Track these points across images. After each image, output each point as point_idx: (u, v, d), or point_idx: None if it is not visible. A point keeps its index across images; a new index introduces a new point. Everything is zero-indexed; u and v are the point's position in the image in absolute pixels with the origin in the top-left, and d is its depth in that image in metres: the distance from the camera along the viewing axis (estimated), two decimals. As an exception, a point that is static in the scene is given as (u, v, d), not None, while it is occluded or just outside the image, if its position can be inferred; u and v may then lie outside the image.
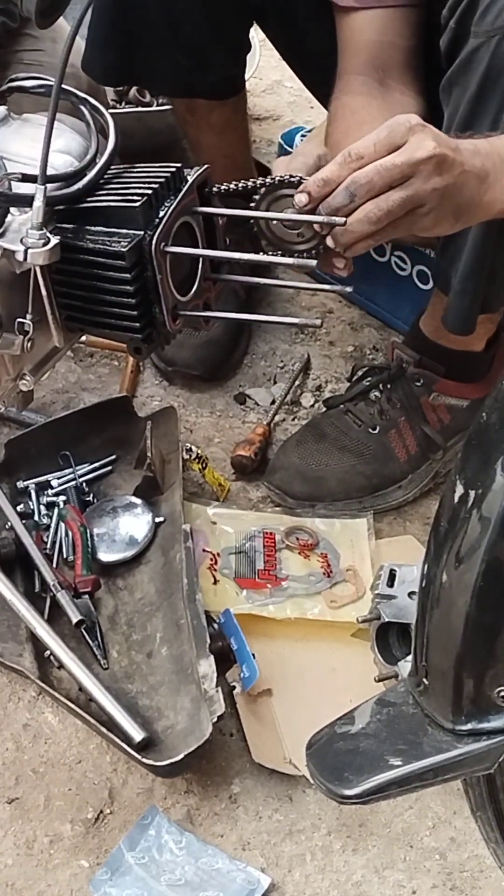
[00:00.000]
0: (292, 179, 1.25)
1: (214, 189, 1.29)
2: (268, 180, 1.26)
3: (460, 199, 1.25)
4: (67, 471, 1.74)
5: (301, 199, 1.23)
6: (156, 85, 1.99)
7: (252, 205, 1.29)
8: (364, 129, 1.48)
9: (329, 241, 1.25)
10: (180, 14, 1.71)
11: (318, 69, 1.63)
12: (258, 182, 1.27)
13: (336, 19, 1.62)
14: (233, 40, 1.83)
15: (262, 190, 1.27)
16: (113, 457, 1.78)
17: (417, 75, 1.60)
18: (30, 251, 1.19)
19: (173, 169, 1.26)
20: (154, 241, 1.20)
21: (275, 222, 1.28)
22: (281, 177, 1.26)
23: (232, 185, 1.29)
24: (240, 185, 1.28)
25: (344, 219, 1.21)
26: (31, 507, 1.69)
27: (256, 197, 1.28)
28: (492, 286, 1.51)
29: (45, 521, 1.67)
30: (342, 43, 1.61)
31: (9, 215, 1.22)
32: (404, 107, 1.54)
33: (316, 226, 1.24)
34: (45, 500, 1.70)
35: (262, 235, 1.31)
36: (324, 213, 1.23)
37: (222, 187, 1.29)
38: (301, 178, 1.25)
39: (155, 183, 1.24)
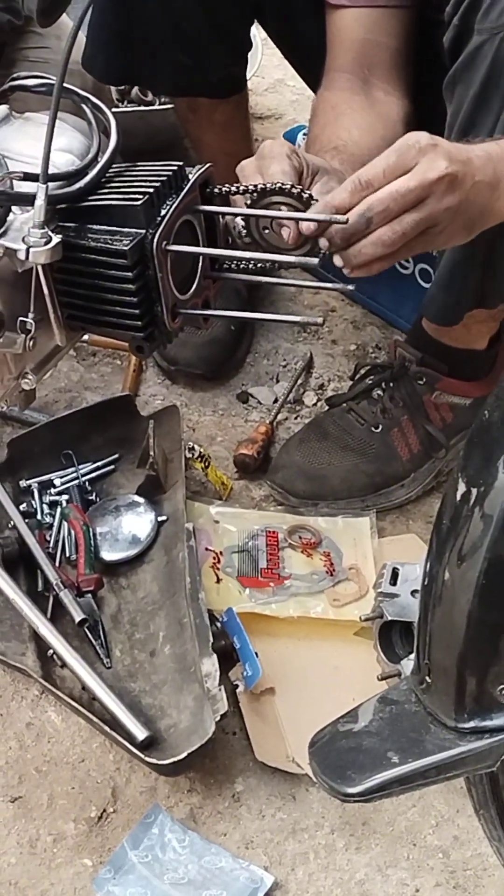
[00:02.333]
0: (284, 187, 1.24)
1: (215, 191, 1.29)
2: (259, 186, 1.25)
3: (473, 211, 1.24)
4: (70, 470, 1.74)
5: (309, 225, 1.21)
6: (157, 84, 1.99)
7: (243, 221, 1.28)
8: (342, 122, 1.49)
9: (337, 261, 1.23)
10: (180, 12, 1.71)
11: (317, 67, 1.63)
12: (258, 186, 1.26)
13: (326, 15, 1.62)
14: (233, 38, 1.83)
15: (253, 195, 1.25)
16: (116, 456, 1.78)
17: (403, 75, 1.60)
18: (32, 250, 1.19)
19: (175, 167, 1.26)
20: (156, 240, 1.20)
21: (267, 231, 1.28)
22: (273, 184, 1.24)
23: (224, 189, 1.28)
24: (232, 187, 1.28)
25: (346, 217, 1.20)
26: (34, 506, 1.69)
27: (248, 202, 1.27)
28: (491, 281, 1.51)
29: (48, 520, 1.67)
30: (330, 39, 1.62)
31: (10, 214, 1.22)
32: (387, 106, 1.55)
33: (323, 244, 1.22)
34: (47, 499, 1.70)
35: (254, 244, 1.30)
36: (338, 239, 1.21)
37: (223, 189, 1.29)
38: (292, 185, 1.24)
39: (157, 181, 1.24)
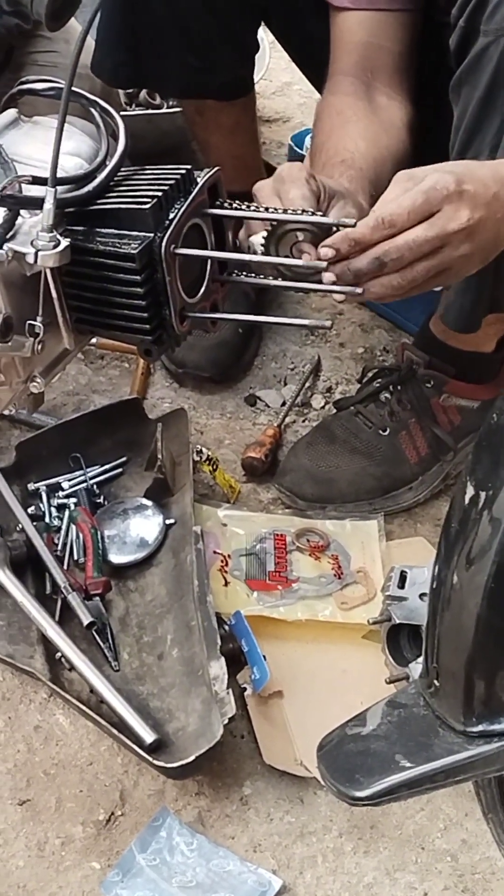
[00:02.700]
0: (305, 222, 1.24)
1: (227, 204, 1.29)
2: (279, 217, 1.25)
3: (489, 248, 1.26)
4: (78, 473, 1.74)
5: (327, 252, 1.21)
6: (164, 86, 1.99)
7: (264, 237, 1.28)
8: (348, 129, 1.49)
9: (338, 297, 1.26)
10: (187, 14, 1.71)
11: (323, 69, 1.63)
12: (269, 210, 1.26)
13: (330, 18, 1.62)
14: (240, 40, 1.83)
15: (272, 227, 1.26)
16: (123, 459, 1.78)
17: (406, 79, 1.60)
18: (40, 253, 1.19)
19: (183, 171, 1.26)
20: (164, 244, 1.20)
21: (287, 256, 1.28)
22: (293, 211, 1.24)
23: (234, 205, 1.29)
24: (242, 205, 1.28)
25: (361, 290, 1.21)
26: (42, 509, 1.69)
27: (268, 228, 1.27)
28: (502, 285, 1.51)
29: (56, 523, 1.67)
30: (334, 42, 1.62)
31: (19, 218, 1.22)
32: (390, 112, 1.55)
33: (327, 276, 1.23)
34: (55, 502, 1.70)
35: (271, 266, 1.30)
36: (350, 271, 1.21)
37: (238, 206, 1.29)
38: (312, 212, 1.24)
39: (165, 185, 1.24)
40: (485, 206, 1.21)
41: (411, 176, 1.23)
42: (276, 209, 1.25)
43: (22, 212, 1.22)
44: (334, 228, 1.24)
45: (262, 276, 1.30)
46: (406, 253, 1.20)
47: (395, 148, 1.50)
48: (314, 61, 1.75)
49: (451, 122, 1.46)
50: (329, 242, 1.22)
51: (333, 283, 1.23)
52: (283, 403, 1.97)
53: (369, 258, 1.21)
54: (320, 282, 1.24)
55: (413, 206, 1.20)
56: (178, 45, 1.75)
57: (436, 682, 1.05)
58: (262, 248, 1.28)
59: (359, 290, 1.27)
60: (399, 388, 1.81)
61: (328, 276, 1.22)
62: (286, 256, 1.27)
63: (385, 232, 1.20)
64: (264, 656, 1.47)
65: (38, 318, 1.25)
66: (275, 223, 1.26)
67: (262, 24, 1.87)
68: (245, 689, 1.49)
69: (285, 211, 1.25)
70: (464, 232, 1.20)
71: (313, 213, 1.24)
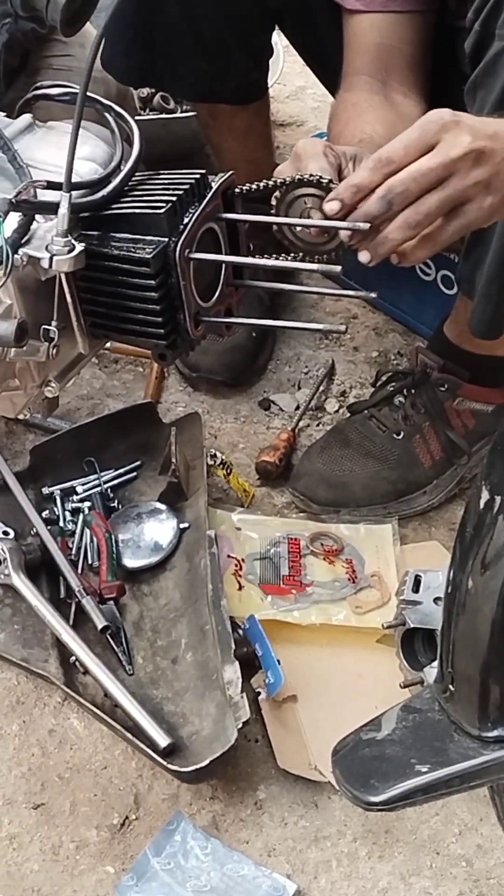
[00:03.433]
0: (311, 178, 1.23)
1: (236, 191, 1.29)
2: (287, 179, 1.25)
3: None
4: (92, 477, 1.74)
5: (332, 206, 1.20)
6: (178, 89, 2.00)
7: (273, 203, 1.27)
8: (364, 118, 1.48)
9: (363, 257, 1.22)
10: (201, 18, 1.71)
11: (337, 72, 1.63)
12: (278, 181, 1.26)
13: (343, 20, 1.62)
14: (254, 44, 1.83)
15: (283, 188, 1.25)
16: (138, 463, 1.78)
17: (420, 79, 1.59)
18: (55, 258, 1.20)
19: (197, 175, 1.26)
20: (178, 248, 1.20)
21: (298, 228, 1.28)
22: (300, 176, 1.24)
23: (253, 186, 1.28)
24: (261, 184, 1.28)
25: (368, 224, 1.20)
26: (57, 513, 1.69)
27: (277, 195, 1.26)
28: None
29: (71, 527, 1.68)
30: (347, 44, 1.62)
31: (34, 223, 1.22)
32: (406, 107, 1.54)
33: (343, 235, 1.22)
34: (70, 506, 1.71)
35: (283, 238, 1.30)
36: (360, 221, 1.20)
37: (244, 188, 1.29)
38: (320, 177, 1.23)
39: (179, 189, 1.24)
40: (487, 137, 1.19)
41: None
42: (286, 179, 1.24)
43: (37, 217, 1.23)
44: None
45: (273, 279, 1.30)
46: (411, 185, 1.17)
47: None
48: (328, 65, 1.75)
49: None
50: (332, 195, 1.21)
51: (350, 239, 1.20)
52: (297, 407, 1.97)
53: (376, 198, 1.19)
54: (334, 252, 1.23)
55: (409, 140, 1.19)
56: (191, 49, 1.76)
57: (451, 686, 1.05)
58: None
59: (373, 294, 1.26)
60: (413, 391, 1.81)
61: (343, 233, 1.21)
62: (297, 228, 1.27)
63: (385, 170, 1.18)
64: (278, 660, 1.47)
65: (53, 323, 1.25)
66: (282, 189, 1.25)
67: (276, 28, 1.87)
68: (259, 693, 1.49)
69: (292, 182, 1.24)
70: (469, 157, 1.17)
71: (320, 178, 1.23)
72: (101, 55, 1.78)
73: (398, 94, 1.56)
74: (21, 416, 1.46)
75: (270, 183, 1.26)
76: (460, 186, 1.19)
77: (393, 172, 1.19)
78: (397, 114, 1.53)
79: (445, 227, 1.22)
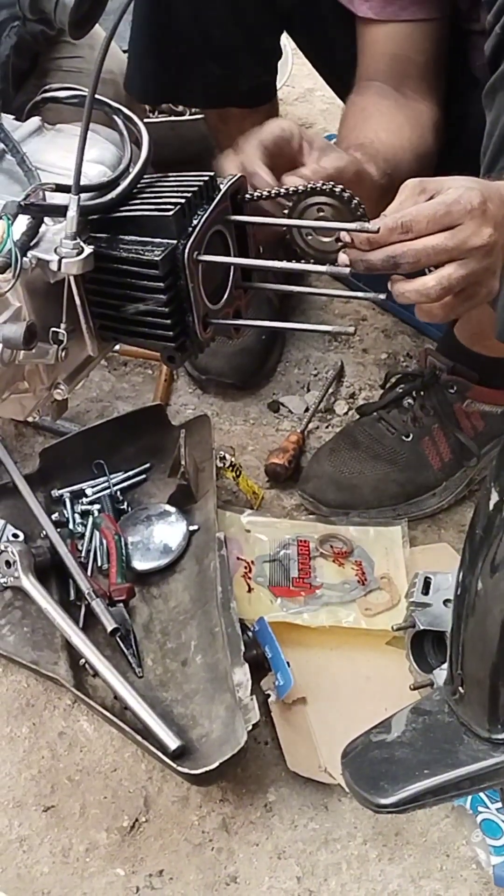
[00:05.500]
0: (324, 187, 1.25)
1: (247, 197, 1.30)
2: (300, 187, 1.26)
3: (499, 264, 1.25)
4: (102, 479, 1.74)
5: (342, 259, 1.24)
6: (189, 96, 2.00)
7: (285, 213, 1.29)
8: (368, 123, 1.49)
9: (342, 258, 1.25)
10: (211, 22, 1.71)
11: (346, 76, 1.63)
12: (290, 189, 1.27)
13: (356, 28, 1.63)
14: (263, 47, 1.83)
15: (294, 198, 1.27)
16: (147, 465, 1.78)
17: (435, 85, 1.60)
18: (64, 261, 1.20)
19: (206, 178, 1.26)
20: (187, 250, 1.20)
21: (309, 235, 1.29)
22: (314, 184, 1.26)
23: (264, 193, 1.29)
24: (272, 191, 1.29)
25: (377, 227, 1.21)
26: (66, 515, 1.69)
27: (289, 204, 1.28)
28: None
29: (80, 529, 1.68)
30: (361, 52, 1.62)
31: (43, 225, 1.22)
32: (417, 110, 1.55)
33: (342, 258, 1.25)
34: (79, 508, 1.71)
35: (294, 244, 1.31)
36: (362, 262, 1.23)
37: (255, 194, 1.30)
38: (333, 185, 1.25)
39: (188, 192, 1.24)
40: (502, 226, 1.22)
41: (424, 187, 1.24)
42: (298, 188, 1.27)
43: (46, 219, 1.23)
44: (353, 204, 1.25)
45: (282, 281, 1.31)
46: (423, 258, 1.20)
47: (418, 143, 1.51)
48: (337, 68, 1.75)
49: (473, 127, 1.45)
50: (342, 225, 1.24)
51: (348, 266, 1.24)
52: (306, 409, 1.97)
53: (384, 254, 1.22)
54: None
55: (434, 215, 1.20)
56: (201, 54, 1.76)
57: (460, 688, 1.04)
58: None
59: (382, 296, 1.27)
60: (422, 393, 1.80)
61: (343, 258, 1.24)
62: (308, 236, 1.29)
63: (402, 236, 1.21)
64: (288, 663, 1.47)
65: (62, 326, 1.25)
66: (295, 198, 1.27)
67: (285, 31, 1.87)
68: (269, 695, 1.49)
69: (305, 191, 1.26)
70: (485, 249, 1.21)
71: (333, 187, 1.25)
72: (124, 78, 1.79)
73: (411, 100, 1.56)
74: (30, 419, 1.47)
75: (282, 190, 1.27)
76: (477, 268, 1.22)
77: (406, 240, 1.21)
78: (406, 117, 1.53)
79: (454, 301, 1.26)
